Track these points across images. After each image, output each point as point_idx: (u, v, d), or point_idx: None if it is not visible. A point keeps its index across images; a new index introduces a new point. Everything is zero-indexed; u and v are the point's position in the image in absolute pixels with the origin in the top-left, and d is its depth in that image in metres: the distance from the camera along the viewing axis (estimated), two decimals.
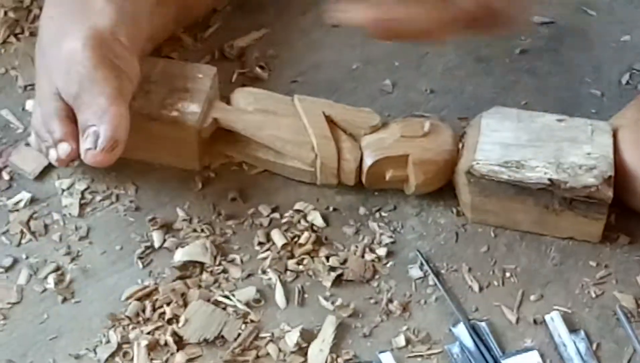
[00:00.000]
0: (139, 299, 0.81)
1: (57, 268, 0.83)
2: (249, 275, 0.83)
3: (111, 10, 0.87)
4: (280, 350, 0.79)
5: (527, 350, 0.79)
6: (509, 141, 0.83)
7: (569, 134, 0.84)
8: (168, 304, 0.81)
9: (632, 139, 0.84)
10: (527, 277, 0.83)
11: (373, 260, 0.84)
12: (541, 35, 1.00)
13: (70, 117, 0.83)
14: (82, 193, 0.88)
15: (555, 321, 0.80)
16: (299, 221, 0.86)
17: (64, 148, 0.83)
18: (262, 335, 0.80)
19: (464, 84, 0.96)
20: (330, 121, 0.86)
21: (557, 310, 0.81)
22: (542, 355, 0.79)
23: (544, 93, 0.95)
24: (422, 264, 0.83)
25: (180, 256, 0.83)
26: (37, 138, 0.87)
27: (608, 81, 0.96)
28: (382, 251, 0.84)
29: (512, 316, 0.81)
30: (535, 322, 0.81)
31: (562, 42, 1.00)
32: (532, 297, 0.82)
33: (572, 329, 0.80)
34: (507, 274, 0.83)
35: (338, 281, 0.83)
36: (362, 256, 0.84)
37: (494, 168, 0.82)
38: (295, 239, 0.85)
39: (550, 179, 0.81)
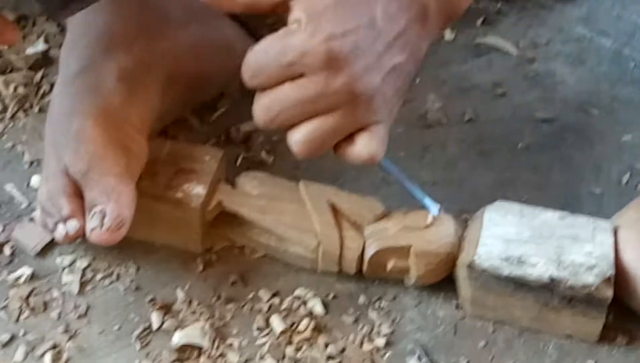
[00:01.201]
0: None
1: (54, 346, 0.83)
2: (247, 361, 0.83)
3: (122, 90, 0.88)
4: None
5: None
6: (511, 237, 0.84)
7: (571, 232, 0.84)
8: None
9: (633, 240, 0.85)
10: None
11: (371, 350, 0.84)
12: (543, 132, 1.01)
13: (78, 194, 0.84)
14: (83, 270, 0.88)
15: None
16: (298, 308, 0.86)
17: (73, 225, 0.83)
18: None
19: (466, 177, 0.97)
20: (334, 208, 0.87)
21: None
22: None
23: (545, 189, 0.96)
24: (420, 356, 0.83)
25: (178, 338, 0.83)
26: (43, 214, 0.87)
27: (608, 180, 0.97)
28: (380, 342, 0.84)
29: None
30: None
31: (564, 139, 1.01)
32: None
33: None
34: None
35: None
36: (361, 346, 0.84)
37: (495, 263, 0.82)
38: (294, 325, 0.85)
39: (550, 277, 0.81)
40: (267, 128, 0.80)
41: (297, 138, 0.79)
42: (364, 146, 0.80)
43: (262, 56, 0.77)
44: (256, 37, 0.79)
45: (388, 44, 0.78)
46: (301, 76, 0.77)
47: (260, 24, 0.85)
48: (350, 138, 0.80)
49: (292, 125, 0.79)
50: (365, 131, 0.80)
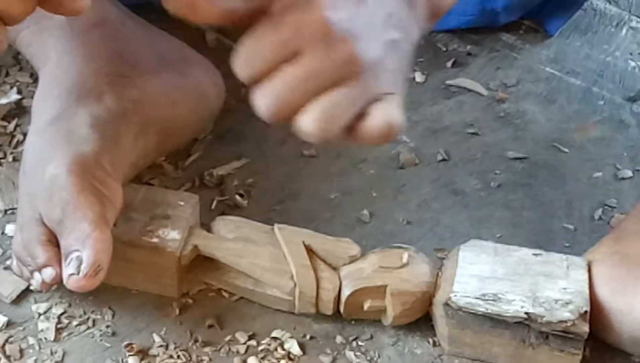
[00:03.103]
0: None
1: None
2: None
3: (95, 137, 0.88)
4: None
5: None
6: (486, 274, 0.84)
7: (545, 269, 0.85)
8: None
9: (606, 274, 0.85)
10: None
11: None
12: (515, 170, 1.02)
13: (53, 241, 0.84)
14: (59, 317, 0.87)
15: None
16: (275, 349, 0.86)
17: (49, 273, 0.83)
18: None
19: (440, 216, 0.98)
20: (309, 250, 0.87)
21: None
22: None
23: (518, 227, 0.97)
24: None
25: None
26: (18, 263, 0.87)
27: (580, 216, 0.98)
28: None
29: None
30: None
31: (536, 177, 1.02)
32: None
33: None
34: None
35: None
36: None
37: (471, 301, 0.83)
38: None
39: (526, 313, 0.82)
40: (276, 122, 0.75)
41: (310, 119, 0.74)
42: (380, 116, 0.75)
43: (254, 44, 0.73)
44: None
45: (382, 19, 0.75)
46: (298, 54, 0.73)
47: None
48: (362, 117, 0.75)
49: (300, 110, 0.74)
50: (378, 104, 0.75)
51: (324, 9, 0.73)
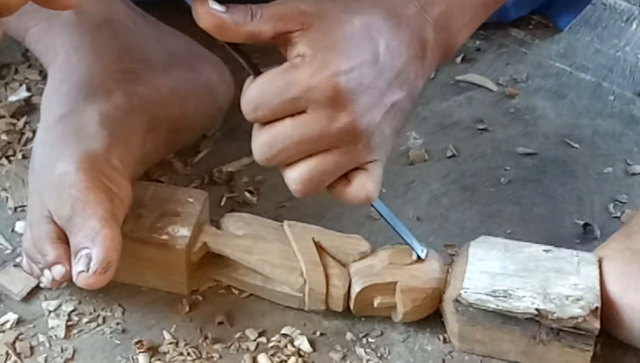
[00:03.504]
0: None
1: None
2: None
3: (104, 135, 0.88)
4: None
5: None
6: (496, 271, 0.84)
7: (556, 265, 0.85)
8: None
9: (617, 270, 0.85)
10: None
11: None
12: (525, 166, 1.02)
13: (62, 239, 0.84)
14: (69, 314, 0.87)
15: None
16: (285, 346, 0.86)
17: (59, 270, 0.83)
18: None
19: (450, 212, 0.98)
20: (319, 247, 0.87)
21: None
22: None
23: (528, 222, 0.97)
24: None
25: None
26: (28, 260, 0.87)
27: (591, 212, 0.98)
28: None
29: None
30: None
31: (546, 173, 1.01)
32: None
33: None
34: None
35: None
36: None
37: (481, 297, 0.82)
38: None
39: (537, 309, 0.81)
40: (265, 165, 0.79)
41: (296, 177, 0.79)
42: (360, 187, 0.80)
43: (264, 89, 0.77)
44: (256, 71, 0.79)
45: (389, 80, 0.78)
46: (303, 112, 0.76)
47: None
48: (345, 176, 0.80)
49: (291, 163, 0.78)
50: (361, 170, 0.80)
51: (338, 72, 0.75)
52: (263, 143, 0.78)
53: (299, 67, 0.76)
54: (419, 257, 0.86)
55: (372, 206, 0.83)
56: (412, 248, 0.85)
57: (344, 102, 0.76)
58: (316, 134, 0.77)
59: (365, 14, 0.78)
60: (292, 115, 0.77)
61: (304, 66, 0.76)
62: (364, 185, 0.80)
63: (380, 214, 0.85)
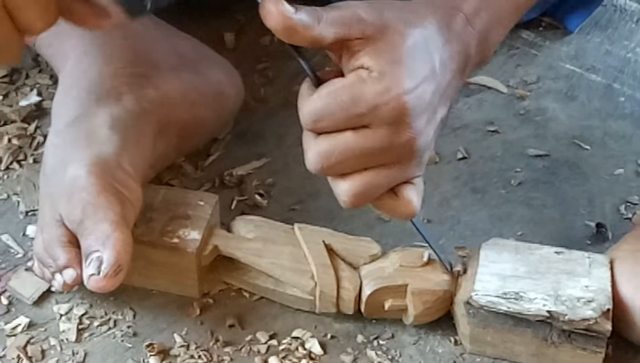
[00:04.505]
0: None
1: None
2: None
3: (115, 138, 0.88)
4: None
5: None
6: (507, 273, 0.84)
7: (567, 267, 0.84)
8: None
9: (629, 272, 0.85)
10: None
11: None
12: (536, 167, 1.02)
13: (73, 242, 0.84)
14: (80, 318, 0.88)
15: None
16: (296, 349, 0.86)
17: (70, 274, 0.83)
18: None
19: (460, 214, 0.98)
20: (330, 249, 0.87)
21: None
22: None
23: (539, 224, 0.96)
24: None
25: None
26: (39, 264, 0.87)
27: (602, 213, 0.98)
28: None
29: None
30: None
31: (557, 174, 1.01)
32: None
33: None
34: None
35: None
36: None
37: (492, 299, 0.82)
38: None
39: (548, 312, 0.81)
40: (318, 174, 0.78)
41: (348, 189, 0.78)
42: (408, 201, 0.79)
43: (330, 102, 0.75)
44: (315, 76, 0.77)
45: (441, 95, 0.78)
46: (365, 126, 0.76)
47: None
48: (391, 190, 0.79)
49: (344, 175, 0.78)
50: (409, 185, 0.79)
51: (406, 91, 0.75)
52: (321, 152, 0.77)
53: (367, 82, 0.75)
54: (450, 270, 0.86)
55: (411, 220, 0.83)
56: (442, 262, 0.86)
57: (408, 120, 0.75)
58: (377, 149, 0.76)
59: (423, 27, 0.77)
60: (353, 129, 0.76)
61: (372, 82, 0.75)
62: (412, 199, 0.79)
63: (417, 228, 0.85)
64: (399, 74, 0.75)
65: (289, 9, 0.74)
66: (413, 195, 0.79)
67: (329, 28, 0.75)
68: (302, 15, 0.74)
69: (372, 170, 0.77)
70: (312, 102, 0.76)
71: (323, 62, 0.81)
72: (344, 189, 0.78)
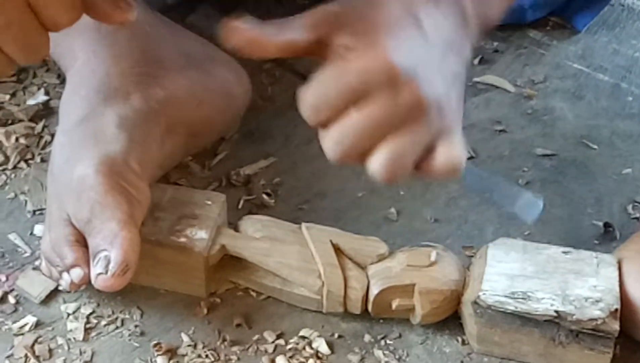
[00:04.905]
0: None
1: None
2: None
3: (123, 137, 0.88)
4: None
5: None
6: (515, 272, 0.84)
7: (575, 267, 0.84)
8: None
9: (636, 272, 0.85)
10: None
11: None
12: (543, 167, 1.02)
13: (81, 241, 0.84)
14: (88, 317, 0.88)
15: None
16: (304, 348, 0.86)
17: (77, 273, 0.83)
18: None
19: (468, 213, 0.97)
20: (337, 249, 0.87)
21: None
22: None
23: (547, 224, 0.96)
24: None
25: None
26: (47, 263, 0.87)
27: (610, 213, 0.98)
28: None
29: None
30: None
31: (565, 174, 1.01)
32: None
33: None
34: None
35: None
36: None
37: (500, 299, 0.82)
38: None
39: (556, 311, 0.81)
40: (344, 164, 0.77)
41: (379, 163, 0.76)
42: (447, 156, 0.77)
43: (320, 90, 0.75)
44: (305, 79, 0.77)
45: (442, 51, 0.77)
46: (365, 100, 0.75)
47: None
48: (428, 154, 0.77)
49: (368, 154, 0.76)
50: (443, 141, 0.77)
51: (388, 51, 0.74)
52: (334, 141, 0.76)
53: (346, 57, 0.75)
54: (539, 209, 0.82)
55: (463, 176, 0.80)
56: (523, 209, 0.81)
57: (403, 77, 0.74)
58: (384, 116, 0.74)
59: None
60: (355, 107, 0.75)
61: (353, 54, 0.74)
62: (450, 153, 0.77)
63: (472, 181, 0.82)
64: (376, 37, 0.74)
65: (244, 25, 0.75)
66: (448, 148, 0.77)
67: (298, 31, 0.75)
68: (261, 28, 0.75)
69: (392, 138, 0.75)
70: (304, 98, 0.76)
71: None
72: (374, 168, 0.76)
